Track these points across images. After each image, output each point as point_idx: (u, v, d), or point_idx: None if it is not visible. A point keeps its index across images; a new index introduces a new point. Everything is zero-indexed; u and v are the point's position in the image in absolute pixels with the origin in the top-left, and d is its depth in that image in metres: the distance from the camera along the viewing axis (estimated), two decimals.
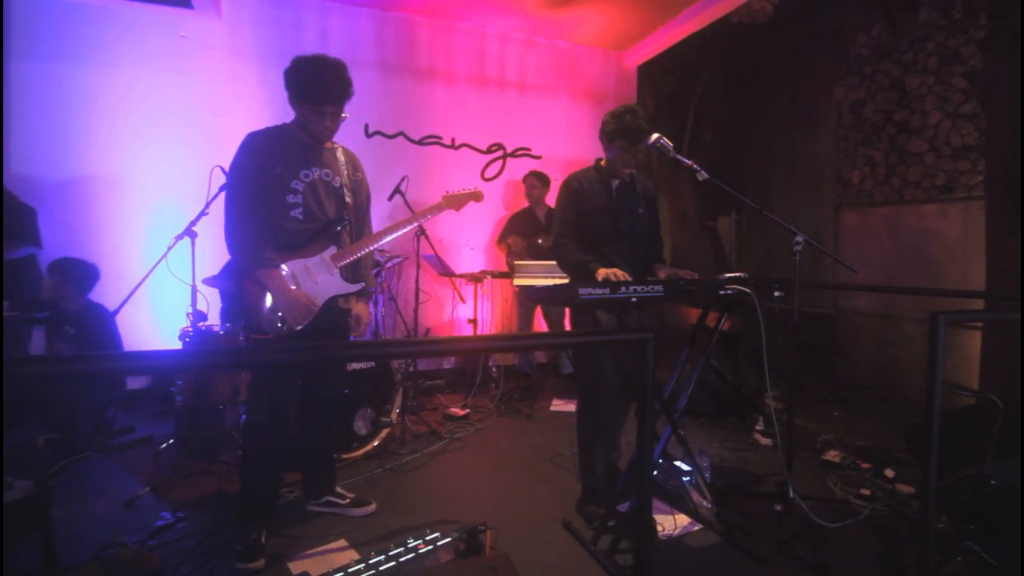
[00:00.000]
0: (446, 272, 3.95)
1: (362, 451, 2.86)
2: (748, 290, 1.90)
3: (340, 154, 2.16)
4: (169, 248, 2.89)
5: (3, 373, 0.76)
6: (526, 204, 4.56)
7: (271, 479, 2.11)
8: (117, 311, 2.91)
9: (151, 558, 1.82)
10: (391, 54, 4.44)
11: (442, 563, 1.94)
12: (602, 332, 2.03)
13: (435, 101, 4.62)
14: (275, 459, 2.10)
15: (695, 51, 5.09)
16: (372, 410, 2.90)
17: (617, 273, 1.98)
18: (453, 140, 4.70)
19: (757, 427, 3.27)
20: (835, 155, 4.53)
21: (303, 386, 2.17)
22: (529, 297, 2.18)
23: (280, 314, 1.95)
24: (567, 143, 5.05)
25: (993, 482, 1.90)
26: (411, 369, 3.85)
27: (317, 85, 1.92)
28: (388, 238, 2.18)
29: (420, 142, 4.59)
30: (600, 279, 1.97)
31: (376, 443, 2.92)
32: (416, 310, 3.63)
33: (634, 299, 1.79)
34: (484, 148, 4.82)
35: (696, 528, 2.20)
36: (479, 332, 4.28)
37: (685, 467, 2.47)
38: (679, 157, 2.08)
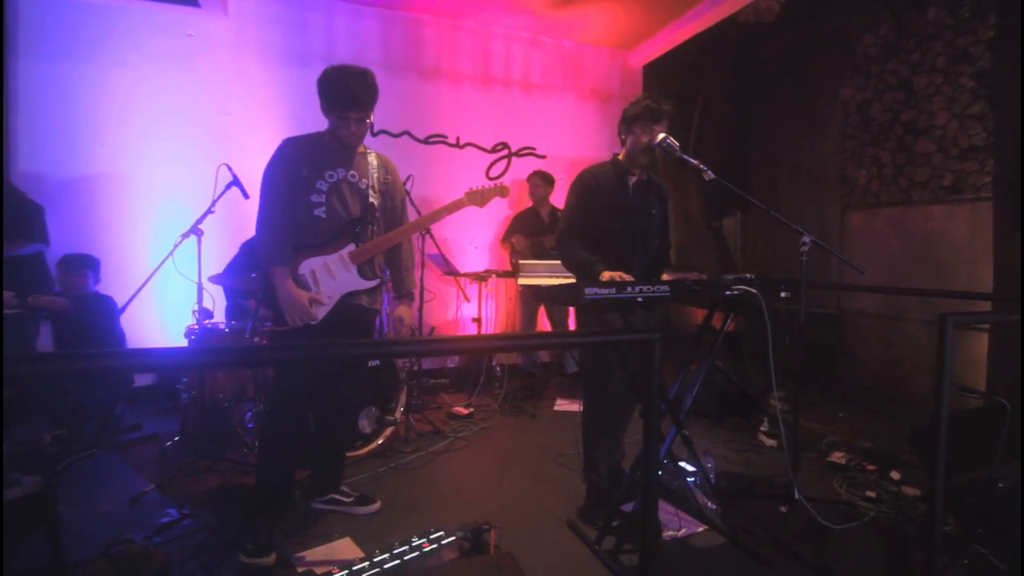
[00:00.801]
0: (451, 271, 3.95)
1: (366, 449, 2.86)
2: (754, 291, 1.90)
3: (372, 158, 2.23)
4: (175, 246, 2.90)
5: (3, 371, 0.76)
6: (530, 204, 4.56)
7: (286, 476, 2.14)
8: (124, 308, 2.92)
9: (158, 555, 1.83)
10: (397, 53, 4.45)
11: (446, 562, 1.94)
12: (607, 332, 2.02)
13: (441, 100, 4.62)
14: (291, 456, 2.14)
15: (701, 51, 5.07)
16: (376, 409, 2.91)
17: (621, 276, 1.97)
18: (458, 139, 4.70)
19: (762, 428, 3.26)
20: (841, 155, 4.50)
21: (318, 383, 2.19)
22: (534, 296, 2.19)
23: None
24: (572, 142, 5.05)
25: (1001, 485, 1.89)
26: (415, 368, 3.85)
27: (339, 91, 2.00)
28: (410, 233, 2.24)
29: (425, 141, 4.59)
30: (605, 281, 1.95)
31: (380, 441, 2.92)
32: (421, 309, 3.63)
33: (640, 299, 1.78)
34: (489, 147, 4.83)
35: (701, 529, 2.19)
36: (483, 331, 4.28)
37: (690, 468, 2.47)
38: (685, 156, 2.07)
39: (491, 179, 4.84)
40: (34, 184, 3.47)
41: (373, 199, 2.18)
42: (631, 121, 2.21)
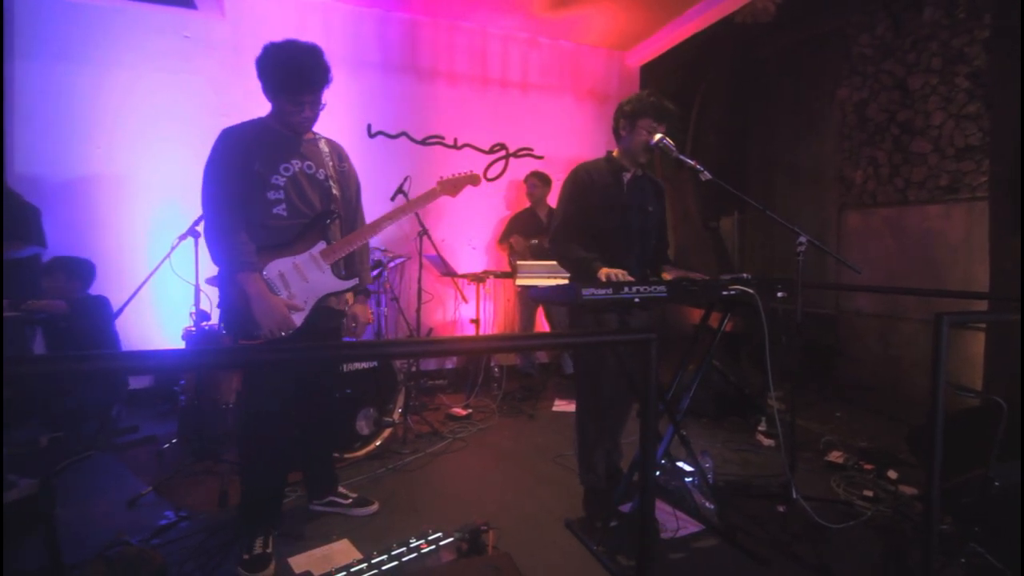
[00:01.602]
0: (448, 272, 3.95)
1: (365, 451, 2.86)
2: (751, 291, 1.90)
3: (323, 145, 2.07)
4: (172, 248, 2.90)
5: (3, 372, 0.76)
6: (528, 204, 4.56)
7: (273, 481, 2.06)
8: (121, 310, 2.91)
9: (155, 557, 1.83)
10: (394, 54, 4.44)
11: (444, 563, 1.94)
12: (605, 332, 2.02)
13: (438, 101, 4.62)
14: (276, 461, 2.04)
15: (698, 51, 5.08)
16: (375, 410, 2.90)
17: (619, 273, 1.94)
18: (456, 140, 4.70)
19: (760, 428, 3.27)
20: (838, 155, 4.52)
21: (299, 386, 2.10)
22: (532, 297, 2.17)
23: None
24: (570, 143, 5.05)
25: (997, 484, 1.89)
26: (413, 369, 3.85)
27: (293, 73, 1.82)
28: (382, 228, 2.12)
29: (423, 142, 4.59)
30: (602, 279, 1.94)
31: (378, 443, 2.92)
32: (418, 310, 3.63)
33: (637, 300, 1.78)
34: (487, 148, 4.83)
35: (698, 529, 2.19)
36: (481, 332, 4.28)
37: (688, 468, 2.47)
38: (682, 157, 2.06)
39: (489, 180, 4.84)
40: (30, 185, 3.46)
41: (335, 190, 2.04)
42: (635, 115, 2.14)
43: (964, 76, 3.61)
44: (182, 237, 2.92)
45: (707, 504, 2.31)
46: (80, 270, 3.09)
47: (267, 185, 1.89)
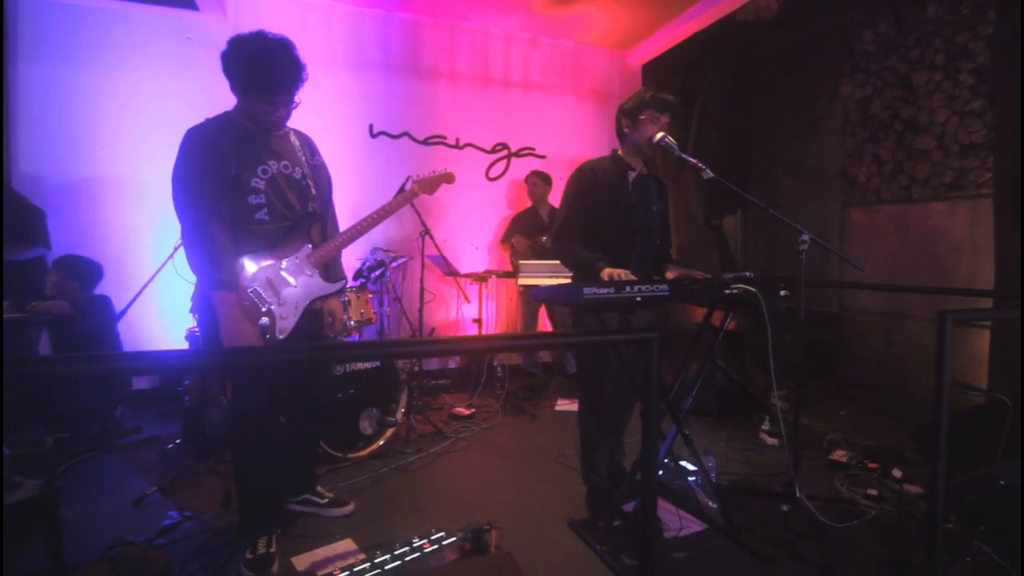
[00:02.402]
0: (451, 272, 3.95)
1: (367, 451, 2.87)
2: (753, 289, 1.90)
3: (293, 138, 1.99)
4: (175, 249, 2.91)
5: (4, 374, 0.76)
6: (529, 204, 4.56)
7: (267, 480, 2.02)
8: (124, 311, 2.93)
9: (158, 557, 1.83)
10: (396, 55, 4.45)
11: (447, 563, 1.94)
12: (606, 331, 2.02)
13: (440, 101, 4.62)
14: (267, 460, 1.99)
15: (700, 49, 5.06)
16: (378, 410, 2.91)
17: (622, 273, 1.94)
18: (458, 140, 4.70)
19: (763, 427, 3.26)
20: (841, 153, 4.50)
21: (288, 386, 2.08)
22: (534, 296, 2.17)
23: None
24: (572, 142, 5.05)
25: (1002, 482, 1.88)
26: (416, 369, 3.86)
27: (264, 71, 1.72)
28: (367, 231, 2.10)
29: (425, 142, 4.59)
30: (605, 279, 1.93)
31: (381, 443, 2.93)
32: (421, 310, 3.63)
33: (639, 299, 1.77)
34: (489, 148, 4.83)
35: (702, 528, 2.19)
36: (484, 332, 4.28)
37: (691, 467, 2.47)
38: (684, 155, 2.06)
39: (491, 180, 4.84)
40: (34, 187, 3.48)
41: (313, 189, 1.98)
42: (636, 111, 2.15)
43: (968, 72, 3.59)
44: None
45: (710, 503, 2.31)
46: (81, 270, 3.09)
47: (246, 189, 1.81)
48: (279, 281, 1.89)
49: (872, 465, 2.72)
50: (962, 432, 2.07)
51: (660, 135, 2.09)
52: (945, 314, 1.35)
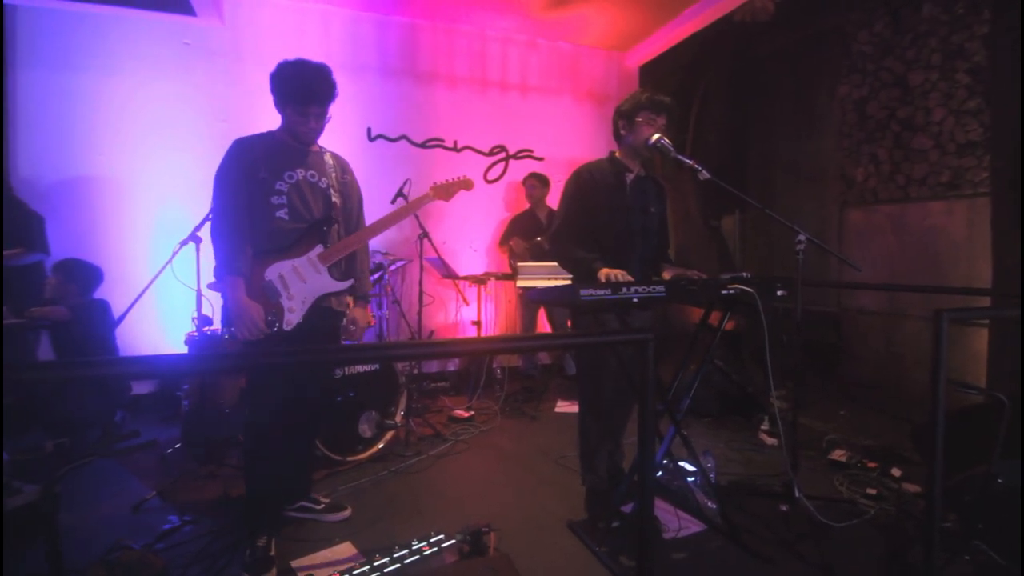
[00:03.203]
0: (449, 274, 3.96)
1: (367, 454, 2.87)
2: (750, 289, 1.90)
3: (328, 158, 2.18)
4: (174, 253, 2.91)
5: (3, 379, 0.76)
6: (527, 206, 4.57)
7: (276, 485, 2.08)
8: (123, 316, 2.93)
9: (156, 561, 1.84)
10: (393, 58, 4.46)
11: (446, 565, 1.94)
12: (604, 333, 2.02)
13: (437, 104, 4.63)
14: (278, 465, 2.07)
15: (697, 50, 5.08)
16: (377, 413, 2.91)
17: (619, 274, 1.95)
18: (456, 143, 4.71)
19: (762, 427, 3.26)
20: (839, 153, 4.50)
21: (287, 389, 2.10)
22: (532, 298, 2.17)
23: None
24: (570, 144, 5.06)
25: (1000, 481, 1.88)
26: (415, 371, 3.86)
27: (300, 85, 1.95)
28: (377, 233, 2.19)
29: (423, 145, 4.60)
30: (602, 280, 1.94)
31: (381, 445, 2.93)
32: (420, 312, 3.64)
33: (636, 300, 1.78)
34: (487, 150, 4.84)
35: (701, 529, 2.19)
36: (483, 334, 4.29)
37: (690, 467, 2.47)
38: (680, 157, 2.06)
39: (489, 182, 4.85)
40: (33, 191, 3.49)
41: (335, 199, 2.13)
42: (632, 113, 2.16)
43: (964, 72, 3.60)
44: (183, 243, 2.94)
45: (710, 504, 2.31)
46: (80, 273, 3.08)
47: (271, 191, 2.00)
48: (290, 276, 2.03)
49: (871, 464, 2.72)
50: (960, 431, 2.07)
51: (656, 137, 2.10)
52: (941, 313, 1.35)
